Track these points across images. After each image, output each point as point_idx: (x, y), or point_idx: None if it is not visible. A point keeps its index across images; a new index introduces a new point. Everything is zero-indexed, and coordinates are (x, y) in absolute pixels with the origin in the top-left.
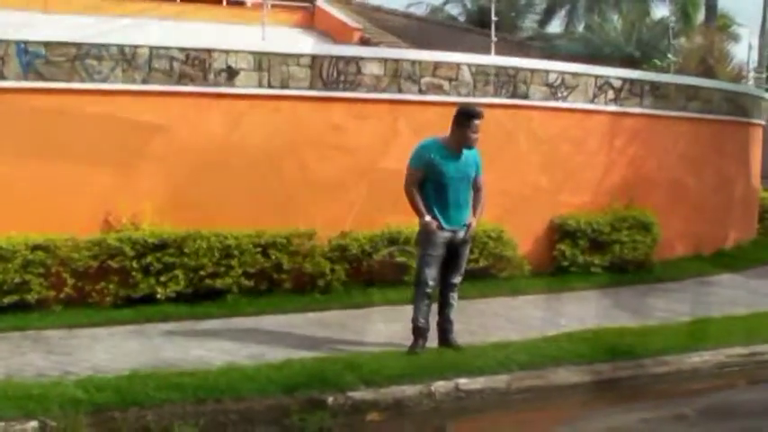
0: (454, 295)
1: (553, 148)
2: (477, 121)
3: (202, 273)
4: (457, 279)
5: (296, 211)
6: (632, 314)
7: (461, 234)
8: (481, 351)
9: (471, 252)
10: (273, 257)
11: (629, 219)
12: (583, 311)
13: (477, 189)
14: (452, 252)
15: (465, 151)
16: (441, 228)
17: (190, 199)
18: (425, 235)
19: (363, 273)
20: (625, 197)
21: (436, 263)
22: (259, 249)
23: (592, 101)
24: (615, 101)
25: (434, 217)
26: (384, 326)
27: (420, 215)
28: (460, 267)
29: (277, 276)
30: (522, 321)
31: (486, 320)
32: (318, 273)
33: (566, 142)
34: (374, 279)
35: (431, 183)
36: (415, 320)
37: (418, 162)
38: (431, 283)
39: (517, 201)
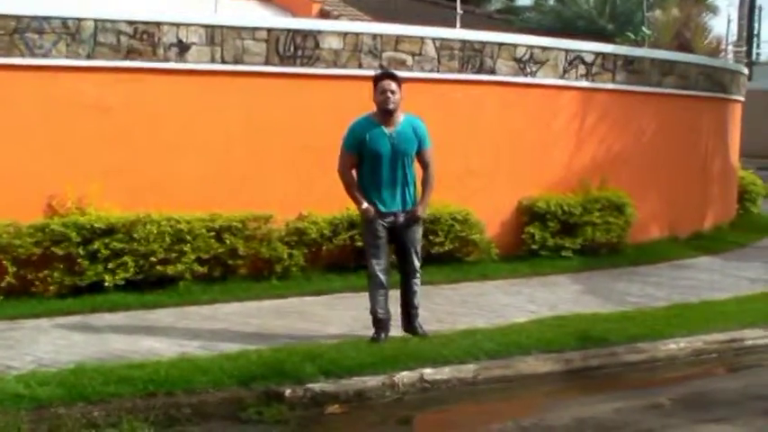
0: (416, 281)
1: (521, 125)
2: (384, 82)
3: (153, 259)
4: (414, 264)
5: (251, 193)
6: (605, 300)
7: (402, 218)
8: (448, 339)
9: (436, 235)
10: (228, 242)
11: (601, 200)
12: (553, 297)
13: (424, 166)
14: (399, 238)
15: (403, 123)
16: (379, 213)
17: (139, 181)
18: (365, 224)
19: (323, 258)
20: (597, 177)
21: (382, 251)
22: (213, 234)
23: (562, 76)
24: (587, 76)
25: (373, 202)
26: (345, 313)
27: (356, 202)
28: (415, 252)
29: (232, 262)
30: (490, 308)
31: (453, 307)
32: (275, 258)
33: (535, 120)
34: (334, 264)
35: (367, 163)
36: (373, 312)
37: (351, 143)
38: (381, 273)
39: (484, 181)
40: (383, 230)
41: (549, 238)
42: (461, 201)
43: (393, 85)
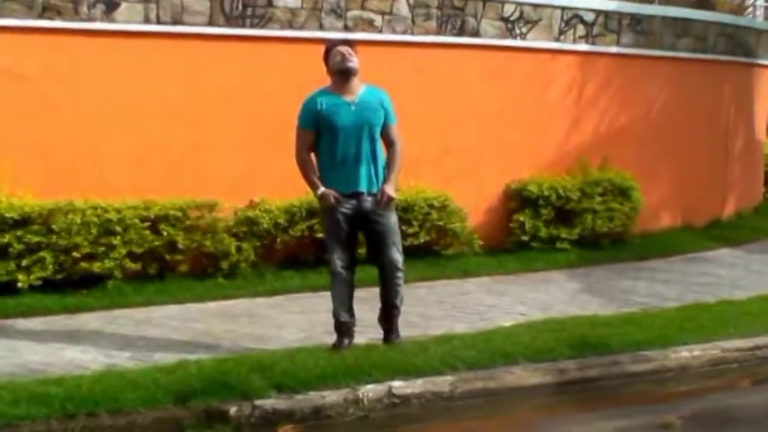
0: (398, 280)
1: (510, 96)
2: (339, 47)
3: (76, 254)
4: (391, 255)
5: (193, 176)
6: (606, 300)
7: (369, 202)
8: (420, 347)
9: (409, 225)
10: (165, 234)
11: (602, 183)
12: (546, 297)
13: (389, 143)
14: (367, 225)
15: (365, 92)
16: (339, 197)
17: (59, 163)
18: (325, 212)
19: (277, 252)
20: (598, 156)
21: (345, 243)
22: (147, 224)
23: (557, 39)
24: (586, 38)
25: (332, 186)
26: (303, 317)
27: (312, 187)
28: (391, 243)
29: (170, 257)
30: (472, 309)
31: (427, 309)
32: (221, 252)
33: (525, 90)
34: (291, 259)
35: (324, 140)
36: (335, 314)
37: (305, 118)
38: (343, 270)
39: (465, 162)
40: (346, 219)
41: (542, 227)
42: (439, 185)
43: (349, 49)
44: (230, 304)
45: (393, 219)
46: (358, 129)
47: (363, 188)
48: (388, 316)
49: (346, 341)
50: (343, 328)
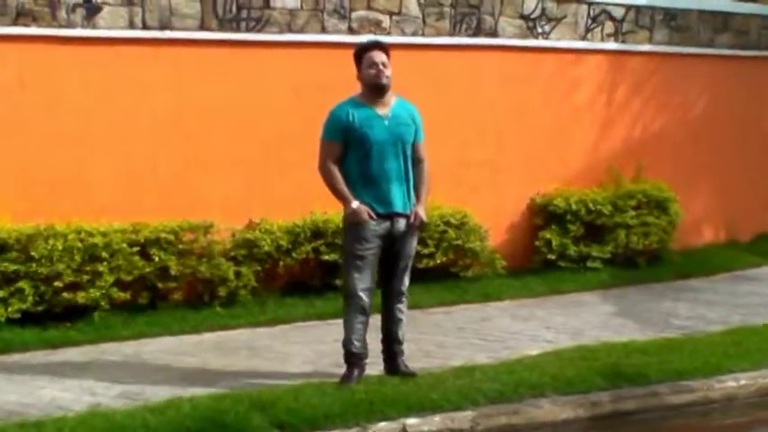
0: (401, 306)
1: (532, 102)
2: (373, 53)
3: (58, 284)
4: (404, 284)
5: (186, 195)
6: (643, 324)
7: (402, 223)
8: (438, 379)
9: (424, 245)
10: (156, 260)
11: (637, 195)
12: (576, 321)
13: (418, 159)
14: (392, 248)
15: (397, 105)
16: (375, 216)
17: (38, 183)
18: (353, 228)
19: (280, 277)
20: (632, 166)
21: (370, 265)
22: (136, 249)
23: (584, 37)
24: (615, 36)
25: (364, 203)
26: (309, 348)
27: (344, 201)
28: (406, 268)
29: (162, 285)
30: (494, 337)
31: (445, 337)
32: (218, 278)
33: (549, 94)
34: (295, 285)
35: (353, 155)
36: (346, 344)
37: (334, 131)
38: (364, 294)
39: (484, 174)
40: (375, 239)
41: (571, 245)
42: (456, 200)
43: (384, 57)
44: (229, 335)
45: (415, 242)
46: (392, 145)
47: (398, 208)
48: (393, 354)
49: (356, 373)
50: (354, 360)
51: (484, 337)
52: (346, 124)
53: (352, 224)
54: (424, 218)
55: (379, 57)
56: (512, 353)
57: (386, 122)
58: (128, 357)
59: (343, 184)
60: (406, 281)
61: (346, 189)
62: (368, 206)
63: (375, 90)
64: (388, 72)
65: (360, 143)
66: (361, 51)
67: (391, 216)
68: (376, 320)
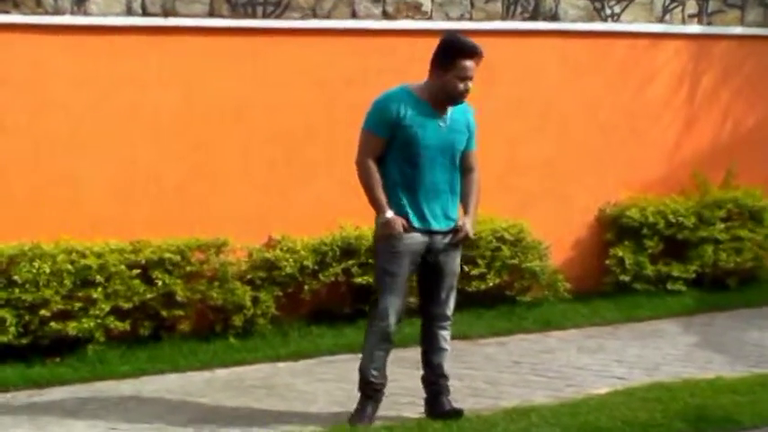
0: (445, 334)
1: (600, 95)
2: (469, 62)
3: (45, 312)
4: (449, 307)
5: (195, 208)
6: (733, 357)
7: (444, 239)
8: (487, 423)
9: (475, 264)
10: (160, 284)
11: (726, 204)
12: (653, 354)
13: (469, 169)
14: (432, 267)
15: (456, 109)
16: (411, 229)
17: (21, 196)
18: (386, 240)
19: (305, 303)
20: (720, 170)
21: (401, 286)
22: (136, 272)
23: (661, 19)
24: (699, 17)
25: (402, 213)
26: (336, 386)
27: (378, 208)
28: (451, 288)
29: (167, 313)
30: (555, 372)
31: (498, 372)
32: (233, 305)
33: (620, 86)
34: (322, 312)
35: (397, 156)
36: (363, 370)
37: (379, 123)
38: (392, 317)
39: (545, 181)
40: (411, 255)
41: (648, 263)
42: (511, 212)
43: (475, 69)
44: (244, 371)
45: (458, 260)
46: (442, 152)
47: (440, 224)
48: (436, 392)
49: (369, 411)
50: (369, 391)
51: (543, 372)
52: (395, 120)
53: (384, 236)
54: (471, 233)
55: (472, 70)
56: (576, 391)
57: (443, 127)
58: (125, 399)
59: (380, 189)
60: (452, 303)
61: (382, 194)
62: (404, 218)
63: (448, 101)
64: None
65: (406, 145)
66: (457, 52)
67: (431, 232)
68: (416, 353)
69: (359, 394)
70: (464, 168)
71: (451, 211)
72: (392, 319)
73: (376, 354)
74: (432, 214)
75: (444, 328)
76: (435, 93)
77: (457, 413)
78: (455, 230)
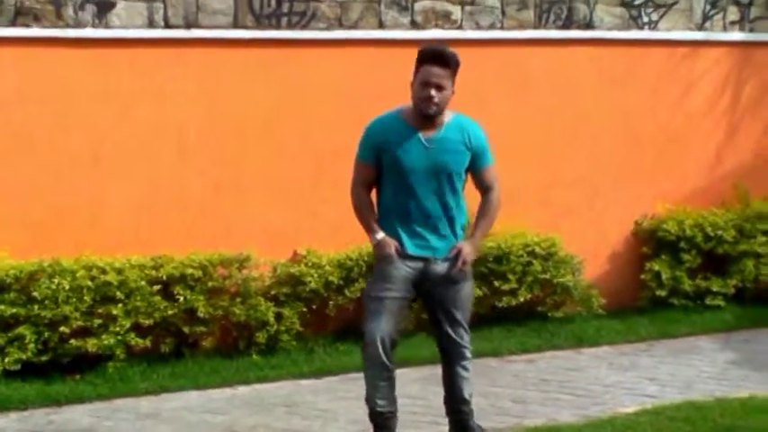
0: (464, 363)
1: (636, 105)
2: (433, 68)
3: (64, 329)
4: (461, 338)
5: (217, 223)
6: None
7: (440, 267)
8: None
9: (505, 279)
10: (181, 300)
11: None
12: (688, 371)
13: (484, 189)
14: (431, 297)
15: (449, 126)
16: (402, 254)
17: (41, 211)
18: (378, 265)
19: (330, 319)
20: (762, 183)
21: (389, 312)
22: (157, 288)
23: (701, 27)
24: (741, 24)
25: (394, 236)
26: (358, 405)
27: (368, 231)
28: (456, 322)
29: (188, 330)
30: (584, 390)
31: (525, 390)
32: (256, 322)
33: (658, 96)
34: (347, 329)
35: (388, 182)
36: (369, 401)
37: (365, 149)
38: (381, 345)
39: (578, 194)
40: (402, 281)
41: (686, 278)
42: (543, 225)
43: (442, 75)
44: (267, 389)
45: (468, 288)
46: (434, 175)
47: (433, 253)
48: (458, 421)
49: None
50: (380, 420)
51: (572, 390)
52: (379, 144)
53: (378, 260)
54: (469, 258)
55: (435, 75)
56: (602, 410)
57: (426, 147)
58: (143, 417)
59: (369, 214)
60: (465, 336)
61: (372, 219)
62: (397, 241)
63: (419, 113)
64: (441, 97)
65: (392, 170)
66: (421, 59)
67: (424, 258)
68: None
69: (371, 423)
70: (479, 188)
71: (449, 236)
72: (380, 345)
73: (378, 385)
74: (423, 241)
75: (462, 360)
76: (413, 108)
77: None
78: (454, 258)
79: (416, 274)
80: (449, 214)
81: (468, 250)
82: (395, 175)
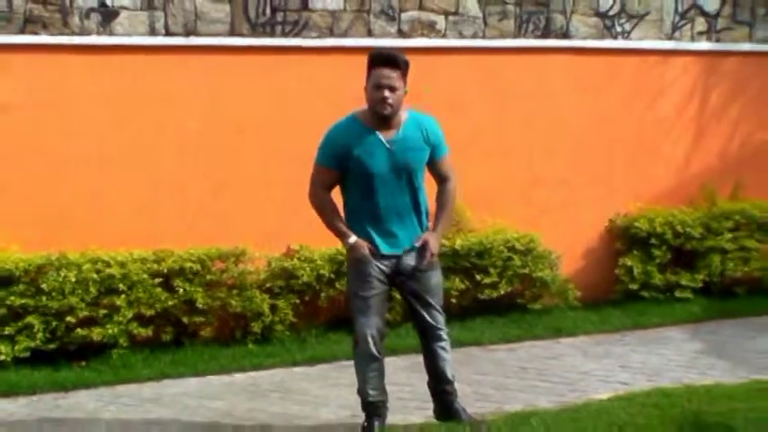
0: (442, 344)
1: (610, 111)
2: (384, 70)
3: (71, 319)
4: (437, 321)
5: (215, 219)
6: (734, 364)
7: (410, 261)
8: (490, 428)
9: (486, 273)
10: (181, 292)
11: (733, 215)
12: (657, 360)
13: (441, 179)
14: (405, 288)
15: (407, 125)
16: (377, 254)
17: (48, 208)
18: (354, 266)
19: (321, 310)
20: (728, 182)
21: (376, 308)
22: (159, 280)
23: (671, 36)
24: (708, 34)
25: (367, 238)
26: (349, 391)
27: (340, 235)
28: (431, 306)
29: (188, 320)
30: (560, 378)
31: (506, 377)
32: (252, 313)
33: (630, 102)
34: (338, 319)
35: (353, 186)
36: (361, 392)
37: (328, 156)
38: (371, 339)
39: (555, 193)
40: (381, 277)
41: (656, 272)
42: (522, 223)
43: (393, 77)
44: (262, 376)
45: (437, 276)
46: (398, 174)
47: (406, 246)
48: (443, 401)
49: (377, 424)
50: (372, 410)
51: (549, 377)
52: (343, 151)
53: (354, 261)
54: (434, 249)
55: (387, 78)
56: (578, 396)
57: (389, 149)
58: (145, 401)
59: (336, 216)
60: (440, 318)
61: (340, 222)
62: (370, 242)
63: (375, 114)
64: (395, 98)
65: (358, 174)
66: (372, 62)
67: (396, 255)
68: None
69: (363, 413)
70: (437, 178)
71: (417, 229)
72: (372, 340)
73: (368, 376)
74: (397, 237)
75: (439, 341)
76: (369, 111)
77: (469, 419)
78: (422, 250)
79: (390, 269)
80: (415, 208)
81: (433, 242)
82: (360, 179)
